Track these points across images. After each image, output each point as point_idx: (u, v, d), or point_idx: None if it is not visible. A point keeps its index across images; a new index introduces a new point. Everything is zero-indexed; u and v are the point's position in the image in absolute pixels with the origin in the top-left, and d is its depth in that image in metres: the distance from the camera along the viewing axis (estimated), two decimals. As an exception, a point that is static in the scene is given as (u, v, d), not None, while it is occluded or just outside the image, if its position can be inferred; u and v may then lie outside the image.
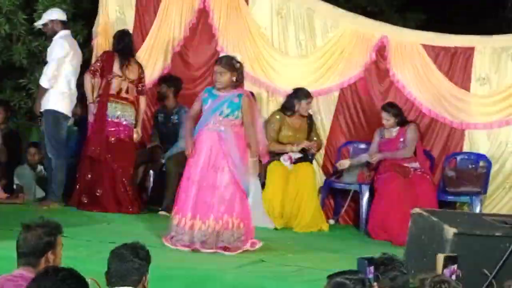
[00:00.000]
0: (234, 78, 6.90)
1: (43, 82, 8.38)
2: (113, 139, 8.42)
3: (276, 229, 8.16)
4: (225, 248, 6.78)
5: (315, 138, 8.65)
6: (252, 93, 8.69)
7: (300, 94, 8.53)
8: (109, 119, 8.41)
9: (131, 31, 9.19)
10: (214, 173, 6.82)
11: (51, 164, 8.39)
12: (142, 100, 8.67)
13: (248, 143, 6.91)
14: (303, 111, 8.51)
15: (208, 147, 6.85)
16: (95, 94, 8.54)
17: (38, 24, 8.67)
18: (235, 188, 6.84)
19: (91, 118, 8.49)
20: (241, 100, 6.87)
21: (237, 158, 6.83)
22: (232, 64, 6.91)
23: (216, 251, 6.75)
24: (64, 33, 8.49)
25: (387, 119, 8.43)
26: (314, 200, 8.43)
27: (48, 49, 8.52)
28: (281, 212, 8.27)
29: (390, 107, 8.46)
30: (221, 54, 7.24)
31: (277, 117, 8.57)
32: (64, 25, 8.55)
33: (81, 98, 8.80)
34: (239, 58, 7.06)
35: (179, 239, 6.83)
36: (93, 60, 8.90)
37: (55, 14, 8.54)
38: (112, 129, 8.42)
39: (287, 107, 8.55)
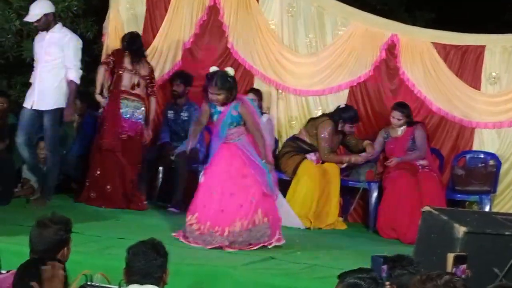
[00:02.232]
0: (229, 95, 6.98)
1: (77, 78, 8.10)
2: (124, 136, 8.42)
3: (309, 228, 8.21)
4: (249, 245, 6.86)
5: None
6: (258, 90, 8.74)
7: (347, 115, 8.55)
8: (122, 117, 8.42)
9: (141, 27, 9.23)
10: (238, 181, 6.93)
11: (49, 161, 8.23)
12: (153, 101, 8.69)
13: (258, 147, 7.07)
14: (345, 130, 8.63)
15: (229, 158, 6.98)
16: (105, 91, 8.54)
17: (32, 19, 8.10)
18: (258, 189, 6.93)
19: (101, 104, 8.52)
20: (238, 110, 6.99)
21: (257, 160, 6.99)
22: (226, 85, 6.96)
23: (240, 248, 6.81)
24: (60, 24, 8.21)
25: (399, 118, 8.42)
26: (338, 200, 8.54)
27: (57, 41, 8.01)
28: (315, 211, 8.32)
29: (403, 107, 8.46)
30: (211, 69, 7.20)
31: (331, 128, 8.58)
32: (54, 16, 8.18)
33: (81, 95, 8.83)
34: (232, 73, 7.09)
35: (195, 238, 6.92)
36: (103, 57, 8.90)
37: (49, 7, 8.07)
38: (124, 126, 8.42)
39: (333, 120, 8.58)
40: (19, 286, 3.56)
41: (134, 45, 8.59)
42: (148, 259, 3.98)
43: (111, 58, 8.54)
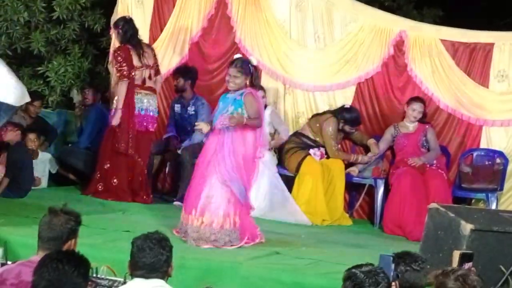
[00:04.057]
0: (247, 82, 6.87)
1: None
2: (137, 131, 8.37)
3: (316, 225, 8.19)
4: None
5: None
6: (261, 87, 8.71)
7: (349, 117, 8.59)
8: (136, 112, 8.36)
9: (149, 21, 9.22)
10: (212, 172, 6.76)
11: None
12: (158, 80, 8.62)
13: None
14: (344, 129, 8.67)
15: (213, 147, 6.83)
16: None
17: None
18: (227, 191, 6.73)
19: (116, 122, 8.30)
20: (243, 97, 6.82)
21: (235, 162, 6.71)
22: (246, 68, 6.84)
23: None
24: None
25: (420, 111, 8.40)
26: (343, 195, 8.54)
27: None
28: (322, 209, 8.32)
29: (423, 101, 8.45)
30: (235, 56, 7.12)
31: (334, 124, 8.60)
32: None
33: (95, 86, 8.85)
34: (254, 62, 7.01)
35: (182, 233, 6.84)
36: (111, 55, 8.67)
37: None
38: (139, 121, 8.37)
39: (336, 118, 8.60)
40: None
41: (128, 32, 8.36)
42: (154, 255, 4.00)
43: (124, 65, 8.28)
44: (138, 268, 4.01)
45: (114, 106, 8.39)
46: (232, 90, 6.85)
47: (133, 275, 4.03)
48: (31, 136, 8.67)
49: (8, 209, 7.25)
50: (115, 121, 8.32)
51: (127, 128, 8.32)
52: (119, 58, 8.35)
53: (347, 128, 8.63)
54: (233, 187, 6.68)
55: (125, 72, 8.28)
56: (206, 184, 6.74)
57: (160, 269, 4.01)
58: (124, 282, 4.31)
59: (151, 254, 4.00)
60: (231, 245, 6.68)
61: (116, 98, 8.40)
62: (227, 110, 6.82)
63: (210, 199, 6.71)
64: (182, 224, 6.86)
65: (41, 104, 9.21)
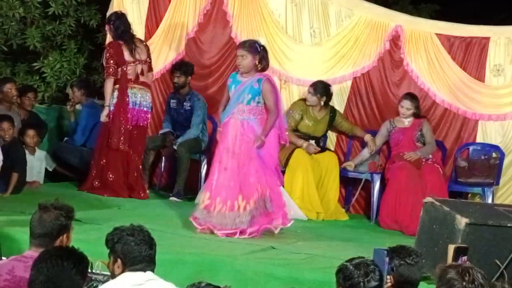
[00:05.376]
0: (256, 62, 6.83)
1: None
2: (132, 125, 8.37)
3: (312, 220, 8.17)
4: (242, 232, 6.79)
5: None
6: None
7: (311, 85, 8.54)
8: (130, 107, 8.36)
9: (145, 16, 9.20)
10: (233, 159, 6.79)
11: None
12: (150, 76, 8.61)
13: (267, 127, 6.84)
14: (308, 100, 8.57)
15: (232, 135, 6.83)
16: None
17: None
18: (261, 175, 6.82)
19: (102, 118, 8.35)
20: (260, 84, 6.82)
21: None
22: (254, 47, 6.83)
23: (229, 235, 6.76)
24: None
25: (408, 108, 8.40)
26: (338, 189, 8.53)
27: None
28: (315, 203, 8.30)
29: (413, 97, 8.45)
30: (238, 41, 7.15)
31: (300, 106, 8.55)
32: None
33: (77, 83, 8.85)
34: (262, 42, 7.00)
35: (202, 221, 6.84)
36: (106, 54, 8.55)
37: None
38: (133, 116, 8.36)
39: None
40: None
41: (120, 28, 8.35)
42: (148, 247, 4.02)
43: (112, 61, 8.30)
44: (138, 262, 3.99)
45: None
46: (245, 73, 6.82)
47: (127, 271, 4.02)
48: (30, 132, 8.62)
49: (3, 205, 7.24)
50: (102, 117, 8.35)
51: (119, 124, 8.31)
52: (107, 54, 8.37)
53: (308, 96, 8.50)
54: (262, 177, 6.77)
55: (111, 69, 8.29)
56: (228, 171, 6.77)
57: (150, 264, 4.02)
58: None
59: (145, 247, 4.01)
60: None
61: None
62: (243, 98, 6.81)
63: (245, 186, 6.76)
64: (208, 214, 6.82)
65: (35, 96, 9.15)
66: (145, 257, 4.00)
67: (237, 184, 6.80)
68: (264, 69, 6.93)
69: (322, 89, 8.50)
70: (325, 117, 8.63)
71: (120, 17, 8.48)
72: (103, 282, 4.51)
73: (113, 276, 4.05)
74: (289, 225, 7.03)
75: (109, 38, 9.01)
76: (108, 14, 9.17)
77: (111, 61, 8.29)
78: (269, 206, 6.84)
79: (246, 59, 6.80)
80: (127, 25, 8.45)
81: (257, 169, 6.81)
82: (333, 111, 8.69)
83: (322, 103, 8.54)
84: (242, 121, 6.83)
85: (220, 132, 7.01)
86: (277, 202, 6.93)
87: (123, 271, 3.99)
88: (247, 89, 6.83)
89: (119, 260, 4.02)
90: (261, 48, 6.87)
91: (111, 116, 8.33)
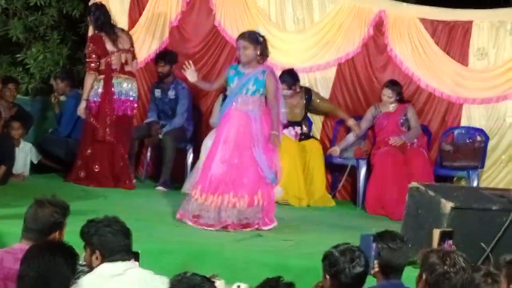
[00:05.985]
0: (258, 52, 6.83)
1: None
2: (117, 115, 8.33)
3: (298, 207, 8.16)
4: (246, 225, 6.76)
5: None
6: None
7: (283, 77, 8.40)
8: (116, 97, 8.32)
9: (127, 5, 9.17)
10: (240, 153, 6.78)
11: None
12: (134, 65, 8.58)
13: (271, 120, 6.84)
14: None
15: (237, 127, 6.81)
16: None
17: None
18: (256, 170, 6.78)
19: (79, 112, 8.33)
20: (265, 76, 6.82)
21: (262, 142, 6.79)
22: (255, 38, 6.83)
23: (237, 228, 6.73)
24: None
25: (389, 96, 8.44)
26: (324, 175, 8.53)
27: None
28: (300, 189, 8.29)
29: (394, 85, 8.47)
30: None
31: None
32: None
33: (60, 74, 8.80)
34: (262, 33, 7.01)
35: (205, 219, 6.74)
36: (87, 48, 8.48)
37: None
38: (118, 105, 8.32)
39: None
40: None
41: (100, 19, 8.30)
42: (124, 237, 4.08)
43: (94, 55, 8.24)
44: (116, 253, 4.00)
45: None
46: (247, 63, 6.81)
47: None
48: (15, 124, 8.59)
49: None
50: (79, 111, 8.34)
51: (105, 115, 8.29)
52: (89, 48, 8.34)
53: (284, 92, 8.32)
54: (262, 167, 6.75)
55: (92, 64, 8.25)
56: (234, 166, 6.75)
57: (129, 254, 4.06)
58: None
59: (122, 237, 4.05)
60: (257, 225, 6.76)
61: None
62: (247, 88, 6.80)
63: (241, 179, 6.74)
64: (199, 207, 6.77)
65: (17, 87, 9.08)
66: (123, 247, 4.04)
67: (252, 178, 6.77)
68: (264, 59, 6.93)
69: (289, 78, 8.46)
70: (300, 102, 8.61)
71: (100, 7, 8.44)
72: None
73: (90, 267, 4.05)
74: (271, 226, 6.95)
75: (92, 29, 8.98)
76: (90, 4, 9.14)
77: (93, 56, 8.26)
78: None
79: (248, 50, 6.80)
80: (107, 16, 8.41)
81: (256, 170, 6.80)
82: (308, 92, 8.67)
83: (298, 89, 8.53)
84: (246, 112, 6.80)
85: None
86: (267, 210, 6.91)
87: (101, 263, 4.00)
88: (251, 80, 6.82)
89: (97, 252, 4.03)
90: (262, 38, 6.88)
91: (97, 107, 8.30)
